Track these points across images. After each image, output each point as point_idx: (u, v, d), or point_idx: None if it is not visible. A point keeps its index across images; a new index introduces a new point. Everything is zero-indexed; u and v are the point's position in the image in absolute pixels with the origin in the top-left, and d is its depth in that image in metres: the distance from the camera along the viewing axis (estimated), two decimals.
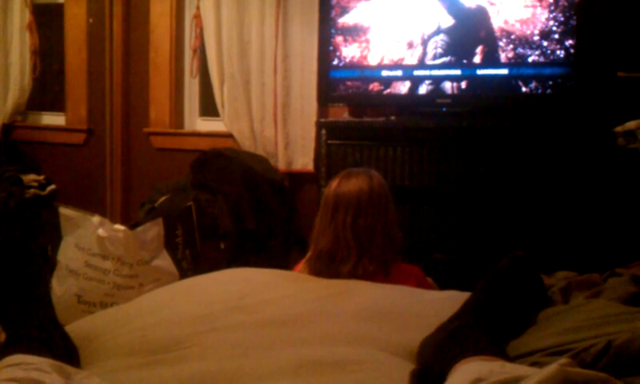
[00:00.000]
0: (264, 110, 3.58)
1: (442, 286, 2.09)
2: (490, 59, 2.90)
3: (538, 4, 2.79)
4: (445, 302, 1.58)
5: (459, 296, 1.58)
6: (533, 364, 1.20)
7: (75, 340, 1.38)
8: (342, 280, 1.80)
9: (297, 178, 3.60)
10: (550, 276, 1.71)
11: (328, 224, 1.91)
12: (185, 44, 3.88)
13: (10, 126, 4.15)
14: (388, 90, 3.08)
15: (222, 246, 3.09)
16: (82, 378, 1.13)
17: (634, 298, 1.46)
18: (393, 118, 3.07)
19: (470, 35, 2.93)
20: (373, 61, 3.08)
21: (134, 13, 3.90)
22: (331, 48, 3.13)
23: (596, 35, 2.79)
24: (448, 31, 2.96)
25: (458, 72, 2.96)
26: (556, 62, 2.79)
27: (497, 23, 2.86)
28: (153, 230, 2.77)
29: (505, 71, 2.88)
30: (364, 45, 3.09)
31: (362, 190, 1.90)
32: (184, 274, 2.81)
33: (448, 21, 2.95)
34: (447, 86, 2.98)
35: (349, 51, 3.11)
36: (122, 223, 2.97)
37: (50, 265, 2.67)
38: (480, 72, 2.93)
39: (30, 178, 3.65)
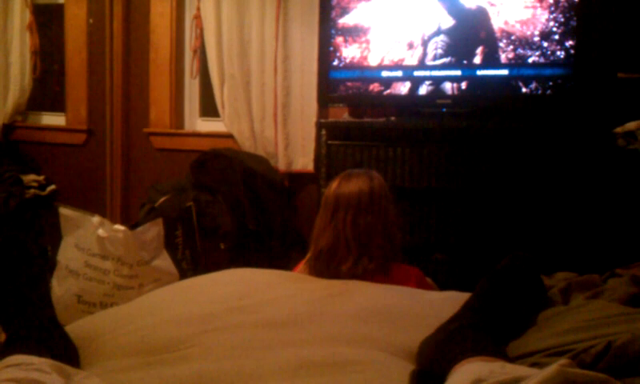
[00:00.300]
0: (264, 110, 3.58)
1: (442, 286, 2.09)
2: (490, 60, 2.90)
3: (538, 5, 2.79)
4: (445, 303, 1.58)
5: (459, 296, 1.58)
6: (533, 365, 1.20)
7: (75, 340, 1.38)
8: (342, 280, 1.80)
9: (297, 179, 3.60)
10: (549, 277, 1.71)
11: (328, 223, 1.91)
12: (185, 44, 3.88)
13: (10, 126, 4.15)
14: (388, 91, 3.08)
15: (222, 247, 3.09)
16: (82, 378, 1.13)
17: (634, 299, 1.46)
18: (393, 118, 3.07)
19: (470, 36, 2.94)
20: (373, 61, 3.09)
21: (135, 13, 3.90)
22: (331, 48, 3.13)
23: (596, 36, 2.79)
24: (448, 32, 2.96)
25: (458, 73, 2.97)
26: (556, 63, 2.80)
27: (497, 24, 2.86)
28: (153, 231, 2.77)
29: (505, 72, 2.88)
30: (364, 45, 3.09)
31: (362, 191, 1.91)
32: (184, 274, 2.82)
33: (448, 21, 2.95)
34: (447, 86, 2.98)
35: (349, 52, 3.11)
36: (122, 223, 2.97)
37: (50, 265, 2.67)
38: (480, 73, 2.93)
39: (30, 178, 3.66)
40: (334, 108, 3.41)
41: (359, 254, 1.86)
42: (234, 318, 1.50)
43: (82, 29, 3.97)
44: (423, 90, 3.02)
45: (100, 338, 1.45)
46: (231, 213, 3.15)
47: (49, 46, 4.14)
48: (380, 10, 3.06)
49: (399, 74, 3.05)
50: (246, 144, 3.61)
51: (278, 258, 3.17)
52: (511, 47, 2.84)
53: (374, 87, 3.09)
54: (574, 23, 2.75)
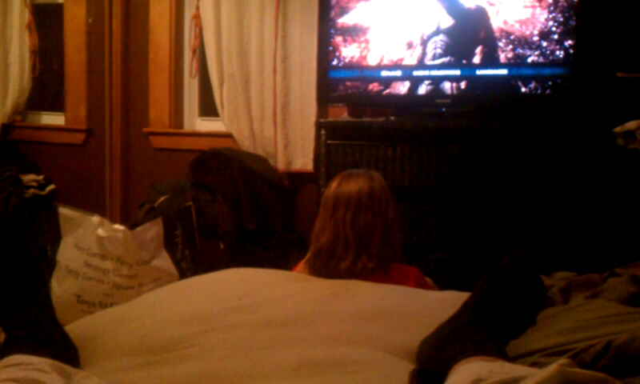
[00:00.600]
0: (263, 110, 3.58)
1: (442, 286, 2.09)
2: (490, 59, 2.90)
3: (537, 4, 2.79)
4: (444, 302, 1.58)
5: (459, 296, 1.58)
6: (532, 364, 1.20)
7: (75, 340, 1.38)
8: (342, 280, 1.80)
9: (296, 178, 3.60)
10: (549, 276, 1.71)
11: (327, 222, 1.92)
12: (184, 44, 3.88)
13: (10, 125, 4.15)
14: (387, 91, 3.08)
15: (222, 246, 3.09)
16: (82, 378, 1.13)
17: (634, 299, 1.46)
18: (392, 118, 3.07)
19: (469, 35, 2.94)
20: (372, 61, 3.09)
21: (134, 13, 3.90)
22: (331, 48, 3.13)
23: (595, 35, 2.79)
24: (447, 31, 2.96)
25: (457, 72, 2.97)
26: (555, 63, 2.80)
27: (496, 23, 2.86)
28: (152, 230, 2.77)
29: (504, 71, 2.88)
30: (363, 45, 3.09)
31: (362, 190, 1.91)
32: (183, 274, 2.82)
33: (447, 21, 2.95)
34: (447, 86, 2.98)
35: (348, 51, 3.11)
36: (122, 223, 2.97)
37: (50, 265, 2.67)
38: (479, 72, 2.93)
39: (29, 177, 3.65)
40: (333, 108, 3.41)
41: (358, 253, 1.87)
42: (233, 317, 1.50)
43: (81, 28, 3.97)
44: (422, 89, 3.02)
45: (100, 337, 1.45)
46: (231, 212, 3.15)
47: (48, 46, 4.14)
48: (379, 9, 3.06)
49: (398, 73, 3.05)
50: (246, 144, 3.61)
51: (278, 257, 3.17)
52: (510, 47, 2.85)
53: (374, 87, 3.09)
54: (573, 23, 2.75)
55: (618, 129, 2.64)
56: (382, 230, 1.90)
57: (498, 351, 1.19)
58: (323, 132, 3.06)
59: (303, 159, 3.54)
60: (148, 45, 3.86)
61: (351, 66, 3.12)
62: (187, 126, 3.94)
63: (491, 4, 2.87)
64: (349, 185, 1.94)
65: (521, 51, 2.83)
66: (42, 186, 3.65)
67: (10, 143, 4.10)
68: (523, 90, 2.86)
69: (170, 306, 1.64)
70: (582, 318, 1.34)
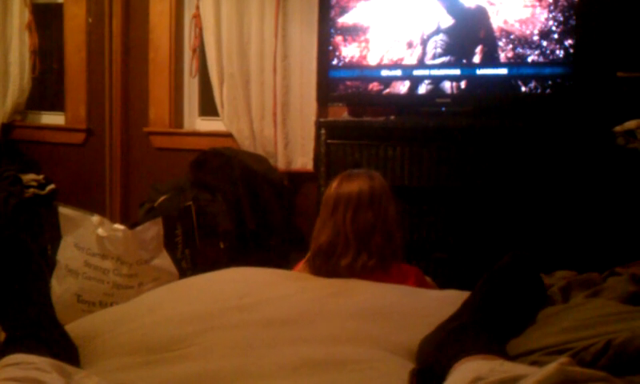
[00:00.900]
0: (263, 109, 3.58)
1: (442, 285, 2.09)
2: (490, 59, 2.90)
3: (537, 4, 2.79)
4: (444, 302, 1.58)
5: (459, 295, 1.58)
6: (532, 363, 1.20)
7: (75, 339, 1.38)
8: (343, 279, 1.80)
9: (296, 178, 3.60)
10: (549, 275, 1.71)
11: (327, 220, 1.92)
12: (184, 43, 3.88)
13: (10, 125, 4.14)
14: (387, 90, 3.08)
15: (222, 246, 3.09)
16: (82, 377, 1.13)
17: (634, 297, 1.46)
18: (392, 117, 3.07)
19: (469, 35, 2.94)
20: (372, 60, 3.09)
21: (134, 12, 3.90)
22: (331, 48, 3.13)
23: (595, 35, 2.79)
24: (447, 31, 2.96)
25: (457, 72, 2.97)
26: (555, 62, 2.80)
27: (496, 23, 2.86)
28: (152, 230, 2.77)
29: (504, 71, 2.88)
30: (363, 44, 3.09)
31: (362, 189, 1.91)
32: (183, 273, 2.82)
33: (447, 20, 2.95)
34: (447, 85, 2.98)
35: (348, 51, 3.11)
36: (122, 223, 2.97)
37: (50, 264, 2.67)
38: (479, 72, 2.93)
39: (29, 177, 3.65)
40: (333, 107, 3.41)
41: (358, 250, 1.87)
42: (233, 316, 1.50)
43: (81, 28, 3.97)
44: (422, 89, 3.02)
45: (100, 337, 1.45)
46: (231, 212, 3.15)
47: (48, 46, 4.14)
48: (379, 9, 3.06)
49: (398, 73, 3.05)
50: (246, 143, 3.61)
51: (278, 257, 3.17)
52: (510, 46, 2.85)
53: (374, 86, 3.09)
54: (573, 22, 2.75)
55: (618, 128, 2.64)
56: (383, 228, 1.90)
57: (499, 350, 1.19)
58: (323, 131, 3.06)
59: (303, 159, 3.54)
60: (148, 44, 3.86)
61: (351, 66, 3.12)
62: (187, 126, 3.94)
63: (491, 3, 2.87)
64: (349, 184, 1.94)
65: (521, 51, 2.83)
66: (41, 186, 3.65)
67: (10, 143, 4.10)
68: (523, 89, 2.86)
69: (169, 305, 1.64)
70: (582, 316, 1.33)
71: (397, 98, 3.10)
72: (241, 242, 3.14)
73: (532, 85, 2.85)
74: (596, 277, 1.65)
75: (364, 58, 3.09)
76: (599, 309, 1.36)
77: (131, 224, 2.91)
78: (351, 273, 1.84)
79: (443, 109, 3.00)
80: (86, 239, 2.70)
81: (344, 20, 3.11)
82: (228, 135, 3.67)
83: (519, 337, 1.36)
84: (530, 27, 2.81)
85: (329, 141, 3.04)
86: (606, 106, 2.80)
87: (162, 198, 3.20)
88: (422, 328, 1.37)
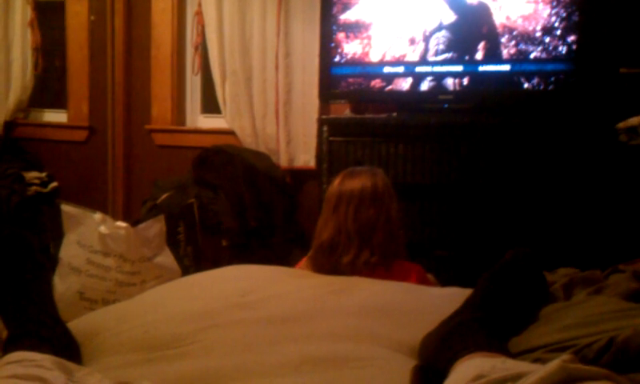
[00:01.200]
0: (266, 106, 3.58)
1: (444, 282, 2.09)
2: (492, 55, 2.89)
3: (540, 0, 2.78)
4: (446, 299, 1.58)
5: (461, 293, 1.58)
6: (535, 360, 1.20)
7: (77, 337, 1.38)
8: (344, 277, 1.80)
9: (298, 175, 3.60)
10: (551, 272, 1.70)
11: (330, 217, 1.92)
12: (186, 41, 3.88)
13: (12, 123, 4.15)
14: (390, 87, 3.07)
15: (224, 243, 3.09)
16: (84, 374, 1.13)
17: (636, 295, 1.46)
18: (395, 114, 3.07)
19: (472, 31, 2.93)
20: (374, 57, 3.08)
21: (136, 10, 3.90)
22: (333, 44, 3.13)
23: (598, 31, 2.78)
24: (450, 27, 2.95)
25: (459, 68, 2.96)
26: (558, 58, 2.79)
27: (499, 19, 2.86)
28: (155, 227, 2.78)
29: (507, 67, 2.88)
30: (366, 41, 3.08)
31: (364, 186, 1.91)
32: (186, 270, 2.82)
33: (450, 17, 2.95)
34: (449, 82, 2.98)
35: (350, 48, 3.11)
36: (124, 220, 2.98)
37: (52, 262, 2.67)
38: (482, 68, 2.92)
39: (31, 175, 3.66)
40: (335, 104, 3.41)
41: (360, 247, 1.87)
42: (236, 314, 1.50)
43: (83, 25, 3.97)
44: (425, 85, 3.01)
45: (102, 334, 1.45)
46: (233, 209, 3.15)
47: (50, 43, 4.14)
48: (381, 5, 3.06)
49: (401, 69, 3.05)
50: (248, 140, 3.61)
51: (280, 254, 3.17)
52: (513, 42, 2.84)
53: (376, 83, 3.09)
54: (575, 18, 2.74)
55: (620, 125, 2.63)
56: (385, 226, 1.90)
57: (500, 347, 1.19)
58: (325, 129, 3.05)
59: (305, 156, 3.54)
60: (150, 42, 3.86)
61: (353, 63, 3.11)
62: (189, 123, 3.94)
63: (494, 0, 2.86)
64: (352, 182, 1.94)
65: (523, 47, 2.82)
66: (44, 184, 3.66)
67: (12, 140, 4.10)
68: (526, 85, 2.85)
69: (172, 302, 1.64)
70: (584, 314, 1.33)
71: (399, 94, 3.09)
72: (243, 239, 3.14)
73: (535, 81, 2.84)
74: (598, 274, 1.65)
75: (366, 54, 3.09)
76: (602, 306, 1.36)
77: (134, 221, 2.91)
78: (353, 270, 1.84)
79: (445, 105, 3.00)
80: (89, 237, 2.71)
81: (346, 17, 3.11)
82: (230, 133, 3.67)
83: (521, 334, 1.36)
84: (533, 23, 2.80)
85: (331, 138, 3.03)
86: (608, 103, 2.79)
87: (165, 196, 3.20)
88: (423, 325, 1.37)
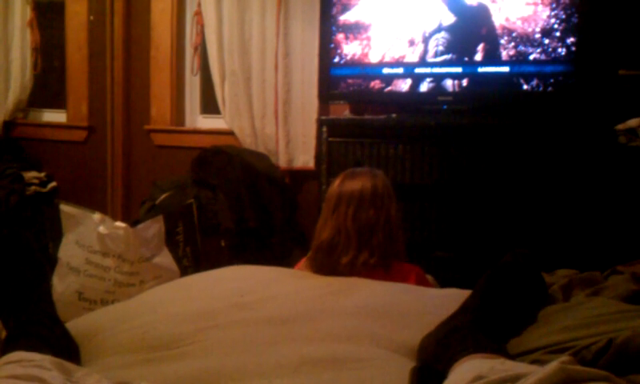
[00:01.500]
0: (265, 107, 3.58)
1: (443, 283, 2.09)
2: (492, 57, 2.89)
3: (539, 1, 2.79)
4: (445, 300, 1.58)
5: (460, 294, 1.58)
6: (534, 362, 1.20)
7: (76, 337, 1.38)
8: (343, 278, 1.80)
9: (298, 176, 3.60)
10: (550, 274, 1.71)
11: (330, 217, 1.92)
12: (186, 41, 3.88)
13: (11, 123, 4.15)
14: (389, 88, 3.07)
15: (223, 244, 3.09)
16: (83, 375, 1.13)
17: (635, 296, 1.46)
18: (394, 115, 3.07)
19: (471, 33, 2.93)
20: (374, 58, 3.08)
21: (135, 10, 3.90)
22: (332, 45, 3.13)
23: (597, 33, 2.78)
24: (449, 29, 2.96)
25: (459, 69, 2.96)
26: (557, 60, 2.79)
27: (498, 21, 2.86)
28: (154, 228, 2.77)
29: (506, 69, 2.88)
30: (365, 42, 3.09)
31: (364, 187, 1.91)
32: (185, 271, 2.82)
33: (449, 18, 2.95)
34: (448, 83, 2.98)
35: (350, 48, 3.11)
36: (123, 220, 2.98)
37: (51, 262, 2.67)
38: (481, 70, 2.92)
39: (30, 175, 3.66)
40: (334, 105, 3.41)
41: (359, 248, 1.87)
42: (235, 314, 1.50)
43: (82, 25, 3.97)
44: (424, 87, 3.02)
45: (101, 334, 1.45)
46: (232, 210, 3.15)
47: (49, 43, 4.14)
48: (381, 6, 3.06)
49: (400, 70, 3.05)
50: (247, 141, 3.61)
51: (279, 255, 3.17)
52: (512, 44, 2.84)
53: (375, 84, 3.09)
54: (575, 20, 2.74)
55: (619, 126, 2.64)
56: (384, 227, 1.90)
57: (499, 349, 1.19)
58: (325, 129, 3.06)
59: (305, 157, 3.54)
60: (149, 42, 3.86)
61: (353, 64, 3.11)
62: (188, 124, 3.94)
63: (493, 1, 2.86)
64: (352, 182, 1.94)
65: (523, 48, 2.83)
66: (43, 184, 3.65)
67: (11, 140, 4.10)
68: (525, 87, 2.86)
69: (171, 303, 1.64)
70: (583, 315, 1.33)
71: (398, 95, 3.09)
72: (242, 239, 3.14)
73: (534, 83, 2.84)
74: (597, 275, 1.65)
75: (365, 55, 3.09)
76: (600, 307, 1.36)
77: (132, 222, 2.91)
78: (352, 270, 1.84)
79: (445, 107, 3.00)
80: (88, 237, 2.70)
81: (346, 17, 3.11)
82: (229, 133, 3.67)
83: (520, 335, 1.36)
84: (532, 25, 2.80)
85: (330, 139, 3.04)
86: (607, 104, 2.79)
87: (164, 196, 3.20)
88: (422, 326, 1.37)
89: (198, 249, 2.98)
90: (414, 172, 2.90)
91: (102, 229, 2.69)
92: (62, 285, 2.66)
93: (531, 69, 2.84)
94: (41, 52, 4.06)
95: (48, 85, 4.25)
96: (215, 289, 1.73)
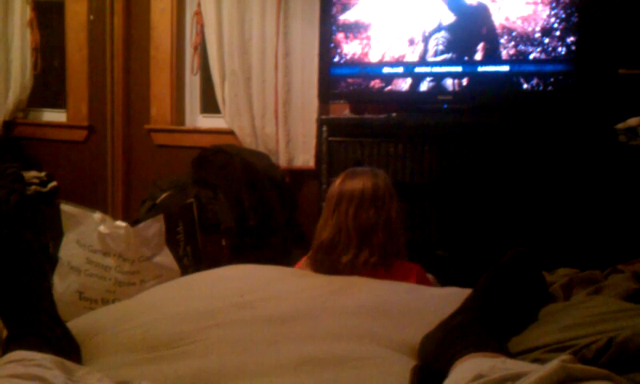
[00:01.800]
0: (265, 106, 3.58)
1: (444, 282, 2.09)
2: (491, 56, 2.89)
3: (539, 1, 2.79)
4: (446, 299, 1.58)
5: (460, 293, 1.58)
6: (534, 360, 1.20)
7: (77, 336, 1.38)
8: (344, 277, 1.80)
9: (298, 175, 3.60)
10: (551, 273, 1.71)
11: (330, 216, 1.92)
12: (186, 41, 3.88)
13: (12, 122, 4.15)
14: (389, 87, 3.07)
15: (223, 243, 3.09)
16: (84, 373, 1.13)
17: (636, 295, 1.46)
18: (394, 114, 3.07)
19: (471, 32, 2.93)
20: (374, 58, 3.08)
21: (135, 10, 3.90)
22: (332, 45, 3.13)
23: (597, 32, 2.79)
24: (449, 28, 2.96)
25: (459, 69, 2.96)
26: (557, 59, 2.79)
27: (498, 20, 2.86)
28: (154, 227, 2.78)
29: (506, 68, 2.88)
30: (365, 42, 3.09)
31: (365, 186, 1.91)
32: (185, 270, 2.82)
33: (449, 17, 2.95)
34: (448, 82, 2.98)
35: (350, 48, 3.11)
36: (123, 220, 2.98)
37: (52, 261, 2.67)
38: (481, 69, 2.92)
39: (31, 174, 3.66)
40: (334, 104, 3.41)
41: (360, 247, 1.87)
42: (235, 313, 1.50)
43: (82, 25, 3.97)
44: (424, 86, 3.02)
45: (101, 334, 1.45)
46: (232, 209, 3.15)
47: (49, 43, 4.14)
48: (381, 6, 3.06)
49: (400, 70, 3.05)
50: (247, 140, 3.61)
51: (279, 254, 3.17)
52: (512, 43, 2.84)
53: (375, 83, 3.09)
54: (575, 19, 2.74)
55: (619, 125, 2.64)
56: (385, 226, 1.90)
57: (500, 347, 1.19)
58: (325, 129, 3.06)
59: (305, 156, 3.54)
60: (149, 42, 3.86)
61: (353, 63, 3.11)
62: (189, 123, 3.94)
63: (493, 0, 2.86)
64: (353, 182, 1.94)
65: (522, 48, 2.83)
66: (43, 183, 3.66)
67: (11, 140, 4.10)
68: (525, 86, 2.86)
69: (171, 302, 1.64)
70: (583, 314, 1.33)
71: (398, 95, 3.09)
72: (242, 239, 3.14)
73: (534, 82, 2.84)
74: (598, 274, 1.65)
75: (365, 55, 3.09)
76: (601, 306, 1.36)
77: (133, 221, 2.91)
78: (352, 270, 1.84)
79: (445, 106, 3.00)
80: (88, 236, 2.70)
81: (345, 17, 3.11)
82: (229, 132, 3.67)
83: (521, 334, 1.36)
84: (532, 24, 2.80)
85: (330, 138, 3.04)
86: (607, 104, 2.79)
87: (164, 195, 3.20)
88: (423, 325, 1.37)
89: (198, 248, 2.98)
90: (413, 171, 2.90)
91: (102, 228, 2.69)
92: (62, 284, 2.66)
93: (531, 68, 2.84)
94: (41, 52, 4.06)
95: (48, 84, 4.25)
96: (215, 288, 1.73)
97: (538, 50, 2.81)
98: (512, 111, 2.90)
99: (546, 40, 2.79)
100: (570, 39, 2.76)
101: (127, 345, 1.39)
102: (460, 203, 2.86)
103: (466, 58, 2.94)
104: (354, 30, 3.10)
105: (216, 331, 1.41)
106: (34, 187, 3.56)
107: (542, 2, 2.78)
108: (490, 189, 2.81)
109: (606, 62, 2.84)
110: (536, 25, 2.80)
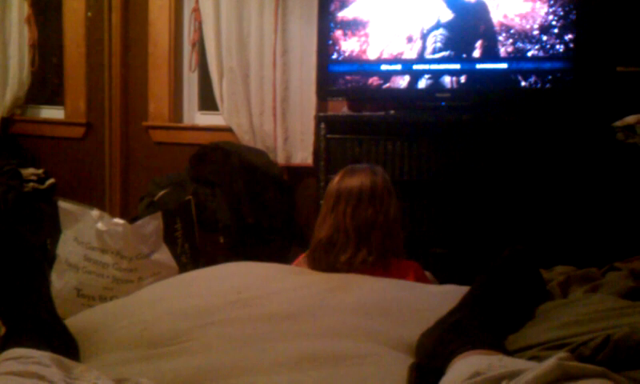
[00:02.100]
0: (263, 104, 3.58)
1: (441, 280, 2.09)
2: (490, 53, 2.89)
3: None
4: (443, 296, 1.58)
5: (458, 290, 1.58)
6: (531, 358, 1.20)
7: (74, 334, 1.38)
8: (342, 274, 1.80)
9: (296, 173, 3.60)
10: (548, 270, 1.71)
11: (328, 214, 1.92)
12: (184, 38, 3.87)
13: (9, 119, 4.14)
14: (387, 85, 3.07)
15: (221, 240, 3.09)
16: (82, 371, 1.13)
17: (633, 293, 1.46)
18: (392, 112, 3.07)
19: (469, 29, 2.93)
20: (372, 55, 3.08)
21: (133, 6, 3.89)
22: (330, 42, 3.13)
23: (595, 30, 2.79)
24: (447, 25, 2.96)
25: (457, 66, 2.96)
26: (555, 57, 2.79)
27: (496, 17, 2.86)
28: (152, 224, 2.78)
29: (504, 66, 2.88)
30: (363, 39, 3.08)
31: (364, 184, 1.91)
32: (183, 267, 2.82)
33: (447, 15, 2.95)
34: (446, 80, 2.98)
35: (348, 45, 3.11)
36: (121, 217, 2.98)
37: (50, 259, 2.67)
38: (479, 66, 2.92)
39: (29, 171, 3.66)
40: (333, 102, 3.41)
41: (358, 246, 1.87)
42: (233, 311, 1.50)
43: (80, 22, 3.96)
44: (422, 83, 3.02)
45: (99, 331, 1.45)
46: (230, 207, 3.15)
47: (47, 39, 4.13)
48: (379, 3, 3.06)
49: (398, 67, 3.05)
50: (245, 138, 3.60)
51: (277, 251, 3.17)
52: (510, 41, 2.84)
53: (373, 81, 3.09)
54: (573, 17, 2.74)
55: (617, 123, 2.64)
56: (383, 224, 1.89)
57: (497, 345, 1.20)
58: (323, 126, 3.06)
59: (303, 153, 3.54)
60: (147, 39, 3.86)
61: (351, 60, 3.11)
62: (187, 120, 3.94)
63: None
64: (351, 179, 1.93)
65: (521, 45, 2.83)
66: (41, 180, 3.66)
67: (9, 137, 4.09)
68: (523, 84, 2.86)
69: (169, 299, 1.64)
70: (581, 312, 1.34)
71: (396, 92, 3.09)
72: (240, 236, 3.14)
73: (532, 79, 2.84)
74: (595, 272, 1.65)
75: (364, 52, 3.09)
76: (598, 304, 1.37)
77: (131, 218, 2.91)
78: (350, 268, 1.84)
79: (443, 103, 3.00)
80: (86, 233, 2.70)
81: (344, 14, 3.11)
82: (227, 130, 3.67)
83: (518, 332, 1.36)
84: (530, 22, 2.81)
85: (328, 135, 3.04)
86: (605, 101, 2.80)
87: (162, 193, 3.20)
88: (421, 323, 1.37)
89: (196, 245, 2.98)
90: (411, 168, 2.90)
91: (100, 225, 2.69)
92: (60, 281, 2.66)
93: (529, 65, 2.84)
94: (38, 48, 4.05)
95: (46, 81, 4.25)
96: (213, 285, 1.73)
97: (536, 47, 2.81)
98: (510, 109, 2.90)
99: (544, 37, 2.79)
100: (568, 37, 2.76)
101: (125, 342, 1.39)
102: (458, 200, 2.86)
103: (464, 56, 2.94)
104: (352, 27, 3.10)
105: (214, 329, 1.41)
106: (31, 184, 3.56)
107: (541, 0, 2.78)
108: (487, 186, 2.81)
109: (604, 59, 2.84)
110: (534, 22, 2.80)
